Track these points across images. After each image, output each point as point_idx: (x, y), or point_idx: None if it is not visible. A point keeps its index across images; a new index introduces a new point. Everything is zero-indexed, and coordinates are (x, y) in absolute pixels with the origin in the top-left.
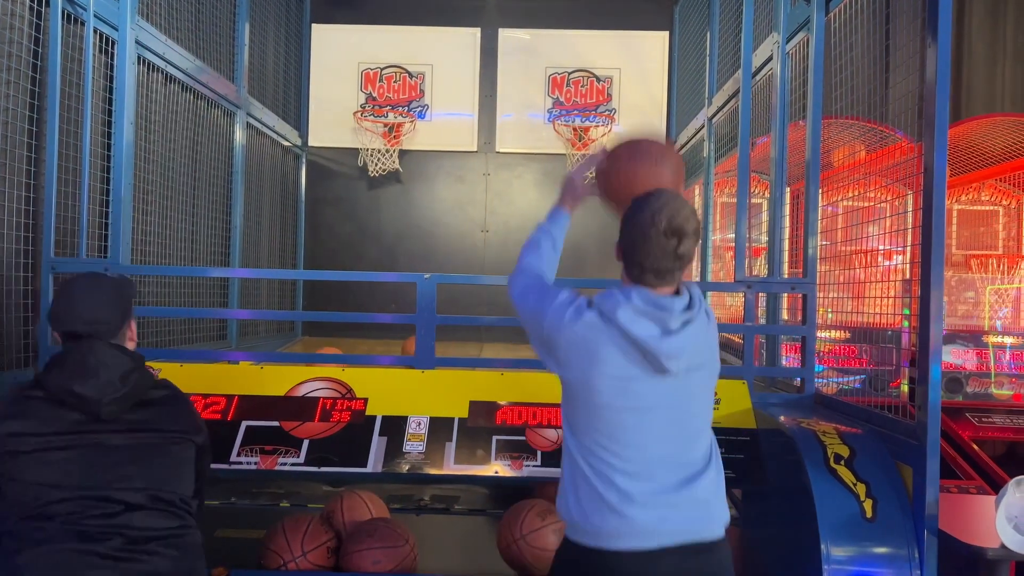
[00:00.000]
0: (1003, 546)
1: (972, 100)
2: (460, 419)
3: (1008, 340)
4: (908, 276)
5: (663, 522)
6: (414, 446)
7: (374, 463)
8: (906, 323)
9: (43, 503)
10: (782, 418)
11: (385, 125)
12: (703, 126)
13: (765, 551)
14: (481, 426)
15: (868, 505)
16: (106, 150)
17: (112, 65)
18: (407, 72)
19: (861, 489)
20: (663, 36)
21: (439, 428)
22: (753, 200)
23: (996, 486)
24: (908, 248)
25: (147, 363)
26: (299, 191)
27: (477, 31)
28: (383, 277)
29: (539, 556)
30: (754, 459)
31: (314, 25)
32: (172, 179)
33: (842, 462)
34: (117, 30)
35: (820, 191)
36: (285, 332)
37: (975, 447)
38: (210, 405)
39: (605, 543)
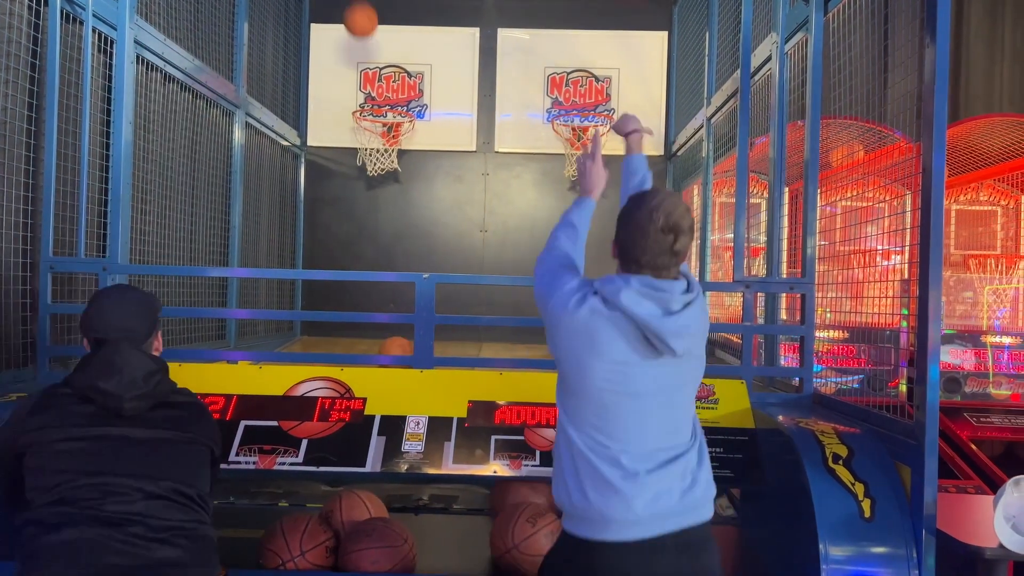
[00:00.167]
0: (1001, 546)
1: (970, 100)
2: (459, 419)
3: (1006, 340)
4: (906, 276)
5: (659, 503)
6: (413, 446)
7: (373, 463)
8: (904, 323)
9: (65, 489)
10: (780, 418)
11: (384, 125)
12: (702, 126)
13: (763, 551)
14: (480, 426)
15: (866, 505)
16: (105, 149)
17: (111, 64)
18: (406, 72)
19: (859, 489)
20: (662, 36)
21: (438, 428)
22: (752, 200)
23: (994, 486)
24: (906, 248)
25: None
26: (298, 191)
27: (476, 31)
28: (382, 277)
29: (535, 563)
30: (752, 459)
31: (313, 25)
32: (171, 179)
33: (840, 462)
34: (116, 29)
35: (819, 191)
36: (284, 332)
37: (973, 447)
38: (209, 405)
39: (605, 534)
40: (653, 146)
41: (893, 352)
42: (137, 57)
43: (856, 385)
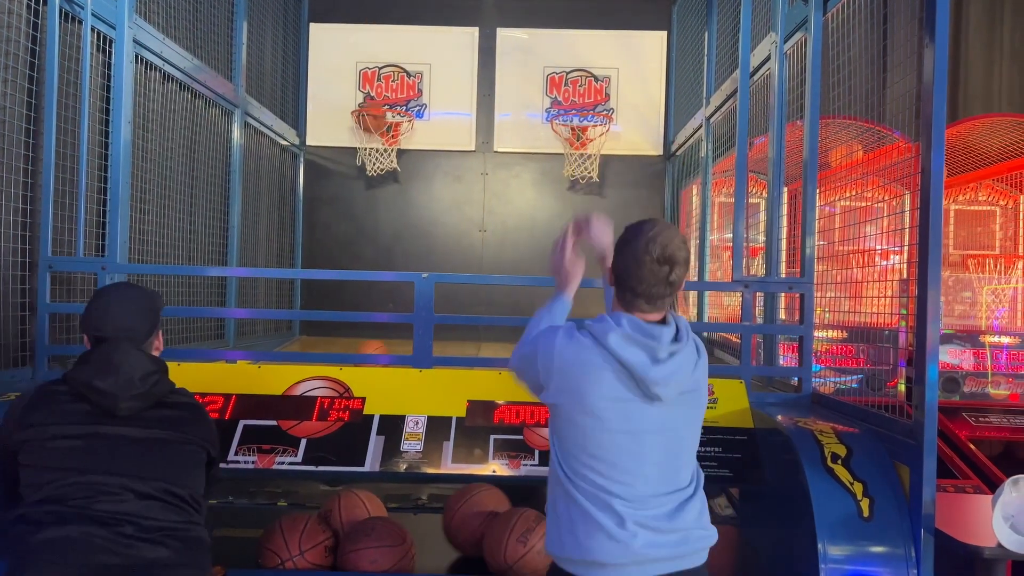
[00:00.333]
0: (999, 545)
1: (969, 100)
2: (458, 418)
3: (1005, 340)
4: (905, 276)
5: (654, 548)
6: (412, 445)
7: (372, 462)
8: (903, 323)
9: (56, 487)
10: (779, 417)
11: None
12: (701, 126)
13: (762, 550)
14: (479, 425)
15: (865, 504)
16: (104, 149)
17: (110, 64)
18: (405, 71)
19: (858, 488)
20: (661, 36)
21: (437, 427)
22: (751, 200)
23: (993, 485)
24: (905, 248)
25: None
26: (297, 190)
27: (475, 30)
28: (381, 276)
29: (539, 573)
30: (751, 458)
31: (312, 24)
32: (170, 178)
33: (839, 461)
34: (115, 29)
35: (817, 191)
36: (283, 331)
37: (972, 447)
38: (208, 404)
39: (597, 572)
40: (652, 146)
41: (892, 352)
42: (136, 56)
43: (855, 385)
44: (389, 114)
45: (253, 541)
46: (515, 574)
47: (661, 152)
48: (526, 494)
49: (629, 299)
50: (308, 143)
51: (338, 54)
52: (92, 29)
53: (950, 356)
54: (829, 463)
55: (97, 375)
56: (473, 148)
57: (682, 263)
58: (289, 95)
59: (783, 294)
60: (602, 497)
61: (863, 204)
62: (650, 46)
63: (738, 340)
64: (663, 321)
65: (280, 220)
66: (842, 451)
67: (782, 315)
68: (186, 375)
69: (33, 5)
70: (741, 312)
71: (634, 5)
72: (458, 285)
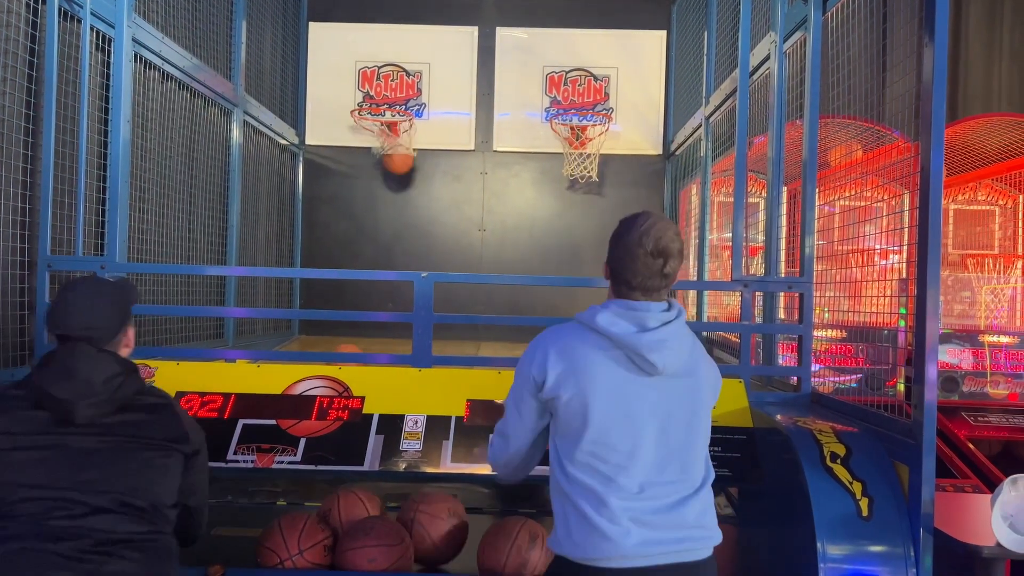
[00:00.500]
0: (998, 544)
1: (969, 100)
2: (457, 418)
3: (1004, 340)
4: (905, 275)
5: (652, 544)
6: (411, 444)
7: (371, 461)
8: (902, 322)
9: (8, 502)
10: (779, 417)
11: (382, 123)
12: (700, 125)
13: (761, 549)
14: (478, 425)
15: (864, 504)
16: (103, 148)
17: (109, 63)
18: (404, 71)
19: (857, 488)
20: (661, 35)
21: (436, 426)
22: (750, 199)
23: (992, 485)
24: (904, 247)
25: (145, 361)
26: (296, 189)
27: (475, 30)
28: (380, 276)
29: None
30: (750, 458)
31: (311, 23)
32: (169, 177)
33: (838, 461)
34: (114, 28)
35: (817, 190)
36: (282, 331)
37: (971, 446)
38: (207, 403)
39: (594, 563)
40: (652, 145)
41: (891, 351)
42: (135, 55)
43: (854, 384)
44: (388, 113)
45: (252, 540)
46: None
47: (660, 151)
48: (526, 494)
49: (625, 292)
50: (307, 142)
51: (337, 53)
52: (91, 28)
53: (949, 356)
54: (828, 462)
55: (54, 381)
56: (472, 147)
57: (676, 255)
58: (288, 94)
59: (782, 293)
60: (597, 492)
61: (862, 203)
62: (649, 45)
63: (737, 339)
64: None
65: (279, 219)
66: (841, 450)
67: (781, 314)
68: (185, 374)
69: (32, 4)
70: (740, 311)
71: (633, 4)
72: (457, 284)
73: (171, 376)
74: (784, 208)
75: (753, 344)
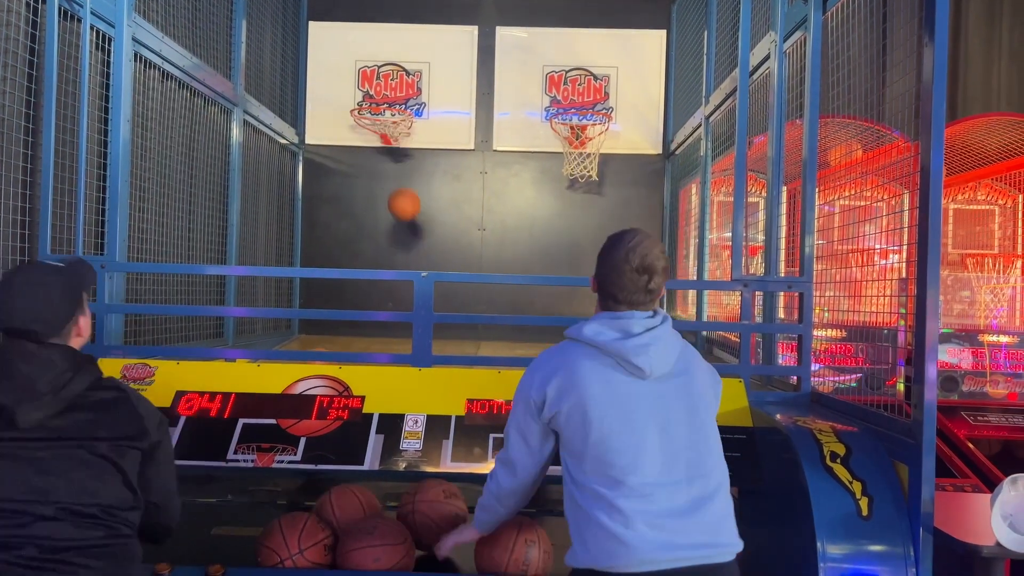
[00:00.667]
0: (998, 544)
1: (968, 99)
2: (457, 417)
3: (1004, 339)
4: (904, 275)
5: (670, 548)
6: (411, 444)
7: (371, 461)
8: (902, 322)
9: None
10: (778, 416)
11: (382, 123)
12: (700, 125)
13: (761, 549)
14: (478, 424)
15: (864, 503)
16: (103, 147)
17: (109, 62)
18: (404, 70)
19: (857, 487)
20: (660, 35)
21: (436, 426)
22: (750, 199)
23: (991, 484)
24: (904, 247)
25: (145, 361)
26: (296, 189)
27: (474, 29)
28: (380, 275)
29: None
30: (750, 457)
31: (311, 23)
32: (169, 176)
33: (838, 460)
34: (114, 27)
35: (817, 190)
36: (282, 330)
37: (970, 446)
38: (207, 403)
39: (613, 570)
40: (651, 145)
41: (891, 351)
42: (135, 55)
43: (854, 384)
44: (388, 112)
45: (252, 539)
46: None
47: (660, 151)
48: None
49: (611, 305)
50: (307, 141)
51: (337, 52)
52: (91, 27)
53: (949, 355)
54: (828, 462)
55: None
56: (472, 147)
57: (660, 272)
58: (288, 93)
59: (782, 293)
60: (607, 497)
61: (862, 203)
62: (649, 45)
63: (737, 339)
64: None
65: (279, 218)
66: (841, 450)
67: (781, 314)
68: (185, 374)
69: (32, 3)
70: (740, 311)
71: (633, 4)
72: (457, 284)
73: (171, 375)
74: (784, 208)
75: (753, 344)
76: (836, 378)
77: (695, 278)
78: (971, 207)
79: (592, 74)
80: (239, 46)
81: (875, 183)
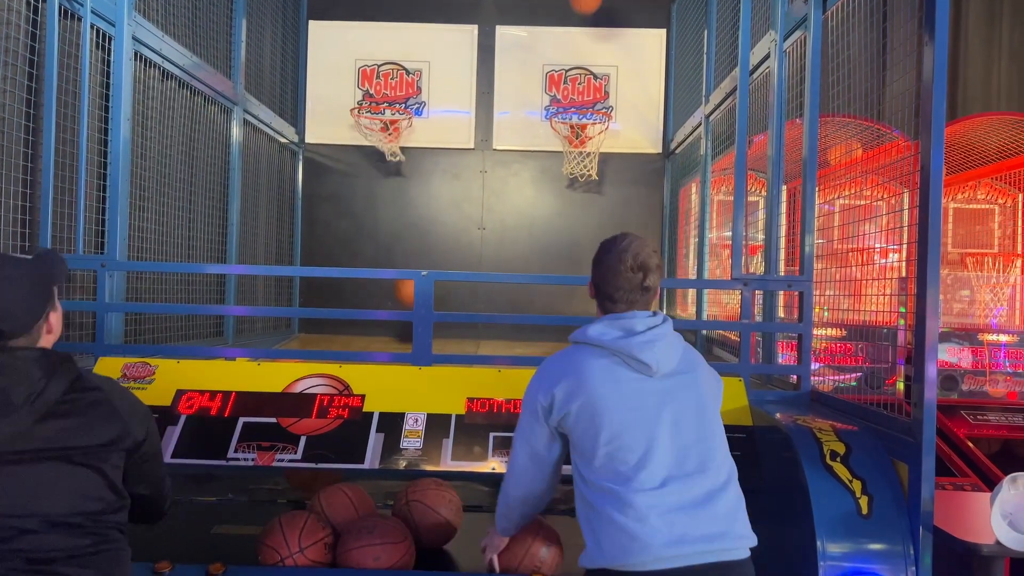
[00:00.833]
0: (998, 543)
1: (968, 98)
2: (457, 416)
3: (1003, 338)
4: (904, 274)
5: (684, 542)
6: (411, 442)
7: (371, 459)
8: (902, 321)
9: None
10: (778, 415)
11: (382, 122)
12: (700, 124)
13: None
14: (478, 423)
15: (864, 502)
16: (103, 146)
17: (109, 61)
18: (404, 69)
19: (857, 486)
20: (660, 34)
21: (436, 425)
22: (750, 198)
23: (991, 483)
24: (904, 246)
25: (145, 360)
26: (296, 188)
27: (474, 28)
28: (380, 274)
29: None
30: (750, 456)
31: (311, 22)
32: (169, 175)
33: (838, 459)
34: (114, 26)
35: (817, 189)
36: (282, 329)
37: (970, 444)
38: (207, 401)
39: (627, 568)
40: (651, 144)
41: (891, 350)
42: (135, 54)
43: (854, 383)
44: (388, 112)
45: (252, 538)
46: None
47: (660, 150)
48: None
49: (609, 307)
50: (307, 140)
51: (337, 51)
52: (91, 26)
53: (949, 354)
54: (828, 461)
55: None
56: (472, 146)
57: (654, 270)
58: (288, 92)
59: (782, 292)
60: (619, 493)
61: (862, 202)
62: (649, 44)
63: (737, 338)
64: None
65: (279, 218)
66: (841, 449)
67: (781, 313)
68: (185, 372)
69: (33, 2)
70: (740, 310)
71: (633, 3)
72: (457, 283)
73: (171, 374)
74: (784, 207)
75: (753, 342)
76: (836, 377)
77: (695, 277)
78: (971, 206)
79: (592, 73)
80: (239, 45)
81: (875, 182)
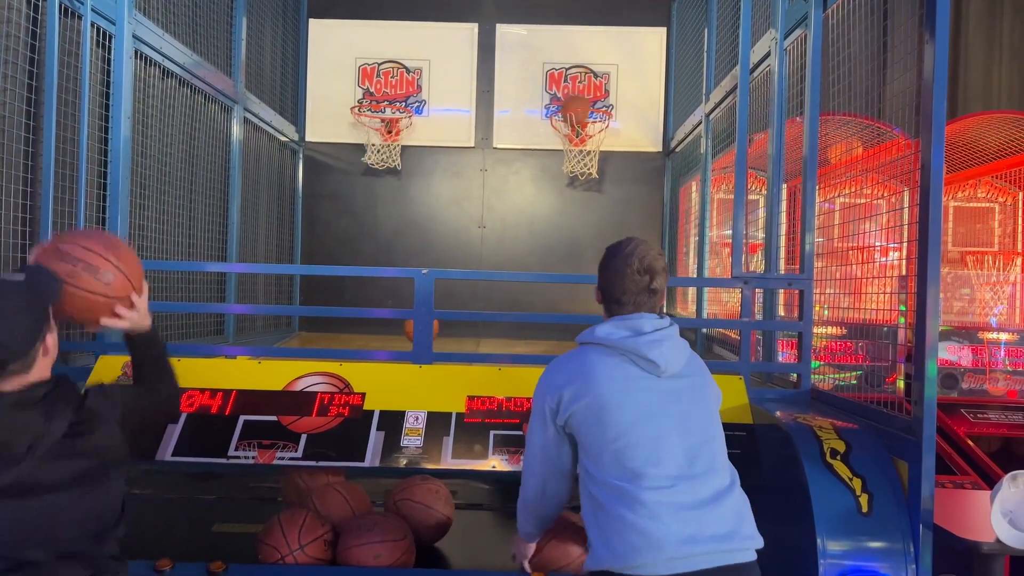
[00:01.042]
0: (998, 541)
1: (969, 97)
2: (458, 414)
3: (1003, 336)
4: (904, 272)
5: (695, 542)
6: (412, 440)
7: (372, 457)
8: (902, 319)
9: None
10: (778, 413)
11: (382, 120)
12: (700, 122)
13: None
14: (479, 421)
15: (864, 500)
16: (103, 145)
17: (109, 59)
18: (404, 67)
19: (857, 484)
20: (661, 32)
21: (437, 423)
22: (750, 196)
23: (991, 481)
24: (904, 244)
25: None
26: (296, 186)
27: (475, 26)
28: (380, 272)
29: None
30: (750, 454)
31: (311, 20)
32: (169, 174)
33: (838, 457)
34: (114, 24)
35: (817, 187)
36: (282, 327)
37: (970, 443)
38: (208, 399)
39: (637, 571)
40: (652, 142)
41: (891, 348)
42: (136, 52)
43: (854, 381)
44: (388, 110)
45: (253, 536)
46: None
47: (660, 148)
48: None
49: (616, 309)
50: (307, 139)
51: (337, 50)
52: (92, 24)
53: (949, 353)
54: (828, 459)
55: None
56: (472, 144)
57: (661, 272)
58: (288, 91)
59: (782, 290)
60: (628, 490)
61: (862, 201)
62: (649, 42)
63: (737, 336)
64: None
65: (279, 216)
66: (841, 447)
67: (781, 311)
68: (186, 371)
69: (33, 1)
70: (740, 308)
71: (634, 1)
72: (457, 282)
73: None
74: (784, 205)
75: (753, 341)
76: (836, 375)
77: (695, 275)
78: (971, 204)
79: (592, 71)
80: (239, 43)
81: (875, 180)
